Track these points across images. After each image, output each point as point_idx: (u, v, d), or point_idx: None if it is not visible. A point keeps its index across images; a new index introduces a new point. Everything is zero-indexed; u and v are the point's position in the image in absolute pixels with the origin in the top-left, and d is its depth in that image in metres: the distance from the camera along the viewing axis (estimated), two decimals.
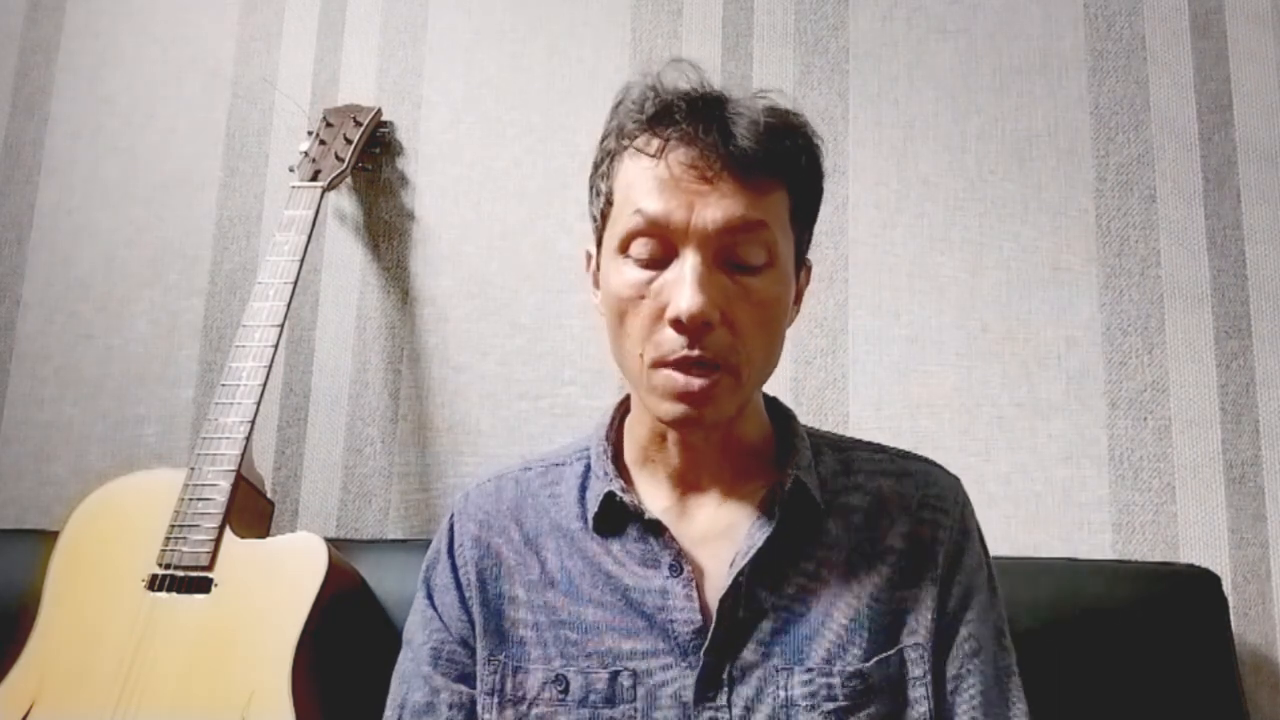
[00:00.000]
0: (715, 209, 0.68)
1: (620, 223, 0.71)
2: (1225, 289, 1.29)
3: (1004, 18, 1.40)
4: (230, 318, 1.43)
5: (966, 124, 1.38)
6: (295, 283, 1.20)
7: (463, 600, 0.77)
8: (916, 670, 0.70)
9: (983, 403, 1.30)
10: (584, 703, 0.70)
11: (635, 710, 0.69)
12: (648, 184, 0.70)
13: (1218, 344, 1.28)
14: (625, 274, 0.71)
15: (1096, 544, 1.25)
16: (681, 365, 0.68)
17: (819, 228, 0.82)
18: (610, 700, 0.69)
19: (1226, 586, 1.17)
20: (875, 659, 0.70)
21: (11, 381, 1.46)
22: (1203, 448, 1.26)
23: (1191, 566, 1.17)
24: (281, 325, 1.16)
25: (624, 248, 0.71)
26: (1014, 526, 1.26)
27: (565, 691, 0.71)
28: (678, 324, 0.67)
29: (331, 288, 1.44)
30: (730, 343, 0.68)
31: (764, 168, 0.70)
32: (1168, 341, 1.29)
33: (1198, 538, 1.23)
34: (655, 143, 0.70)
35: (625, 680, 0.70)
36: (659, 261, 0.70)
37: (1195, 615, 1.12)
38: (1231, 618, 1.14)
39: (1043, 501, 1.27)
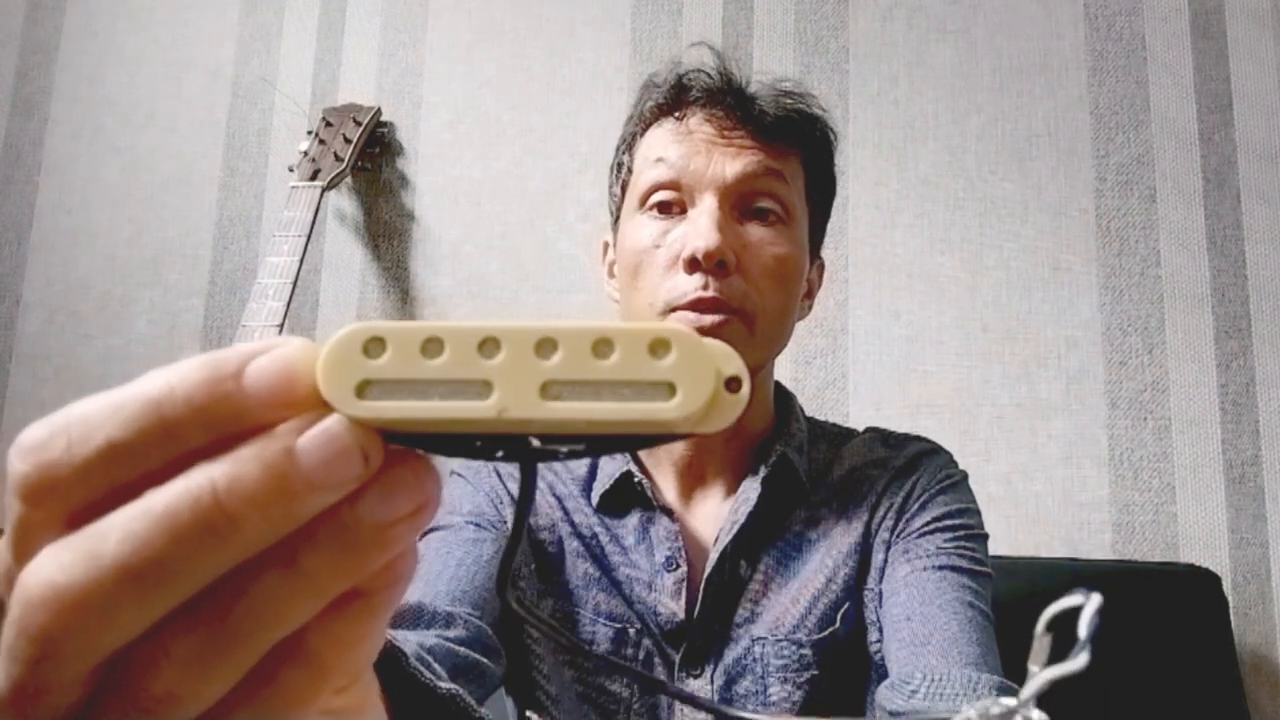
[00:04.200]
0: (734, 160, 0.70)
1: (641, 179, 0.72)
2: (1225, 289, 1.29)
3: (1004, 18, 1.40)
4: (230, 318, 1.43)
5: (966, 124, 1.38)
6: (295, 283, 1.20)
7: (481, 501, 0.74)
8: (872, 615, 0.70)
9: (983, 403, 1.30)
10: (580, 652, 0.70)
11: (634, 666, 0.70)
12: (668, 139, 0.72)
13: (1218, 344, 1.28)
14: (642, 227, 0.71)
15: (1096, 544, 1.25)
16: (694, 306, 0.67)
17: None
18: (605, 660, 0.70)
19: (1226, 586, 1.17)
20: (839, 615, 0.69)
21: (11, 381, 1.46)
22: (1203, 448, 1.26)
23: (1191, 566, 1.17)
24: (281, 325, 1.16)
25: (643, 201, 0.72)
26: (1014, 526, 1.26)
27: (572, 630, 0.71)
28: (693, 263, 0.67)
29: (331, 288, 1.44)
30: (745, 289, 0.68)
31: (782, 132, 0.72)
32: (1168, 341, 1.29)
33: (1198, 538, 1.23)
34: (679, 108, 0.72)
35: (616, 645, 0.70)
36: (676, 213, 0.71)
37: (1195, 615, 1.12)
38: (1231, 618, 1.14)
39: (1043, 501, 1.27)
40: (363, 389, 0.20)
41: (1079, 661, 0.21)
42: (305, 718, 0.21)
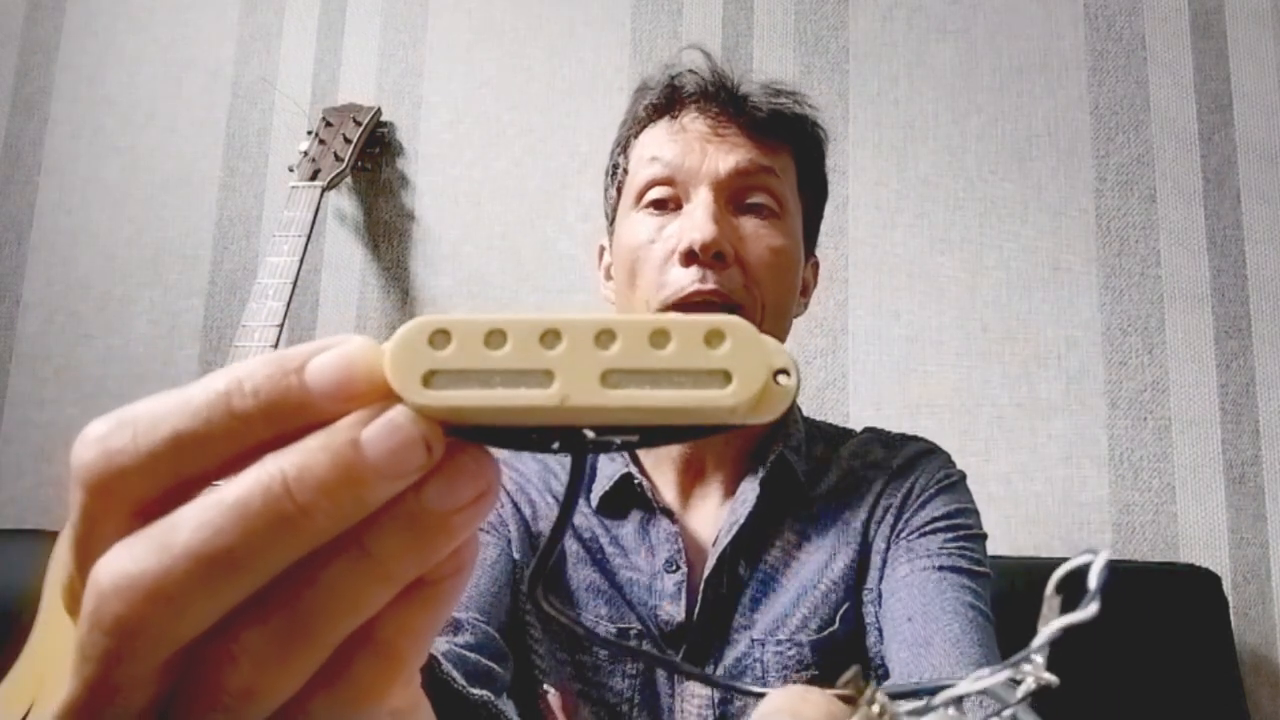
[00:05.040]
0: (727, 155, 0.71)
1: (636, 178, 0.73)
2: (1225, 289, 1.29)
3: (1004, 18, 1.40)
4: (230, 318, 1.43)
5: (966, 124, 1.38)
6: (295, 283, 1.20)
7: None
8: (871, 615, 0.69)
9: (983, 403, 1.30)
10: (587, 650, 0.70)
11: (634, 668, 0.69)
12: (662, 138, 0.73)
13: (1218, 344, 1.28)
14: (638, 224, 0.72)
15: (1096, 544, 1.24)
16: (692, 301, 0.67)
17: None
18: (611, 656, 0.70)
19: (1226, 586, 1.17)
20: (838, 615, 0.69)
21: (11, 381, 1.46)
22: (1203, 448, 1.26)
23: (1191, 566, 1.17)
24: (281, 325, 1.16)
25: (639, 198, 0.73)
26: (1014, 526, 1.26)
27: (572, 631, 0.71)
28: (689, 256, 0.67)
29: (331, 288, 1.44)
30: (743, 282, 0.68)
31: (773, 128, 0.73)
32: (1168, 341, 1.29)
33: (1198, 538, 1.23)
34: (672, 108, 0.74)
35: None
36: (672, 210, 0.71)
37: (1195, 615, 1.12)
38: (1231, 618, 1.14)
39: (1043, 501, 1.27)
40: (429, 379, 0.20)
41: (1089, 610, 0.22)
42: (377, 714, 0.21)
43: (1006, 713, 0.23)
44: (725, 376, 0.21)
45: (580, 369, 0.20)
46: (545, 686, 0.71)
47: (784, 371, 0.21)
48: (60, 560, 0.21)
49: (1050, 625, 0.23)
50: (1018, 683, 0.23)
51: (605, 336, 0.21)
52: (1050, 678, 0.23)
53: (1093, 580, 0.22)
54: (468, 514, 0.20)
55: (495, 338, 0.21)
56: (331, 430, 0.20)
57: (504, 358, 0.21)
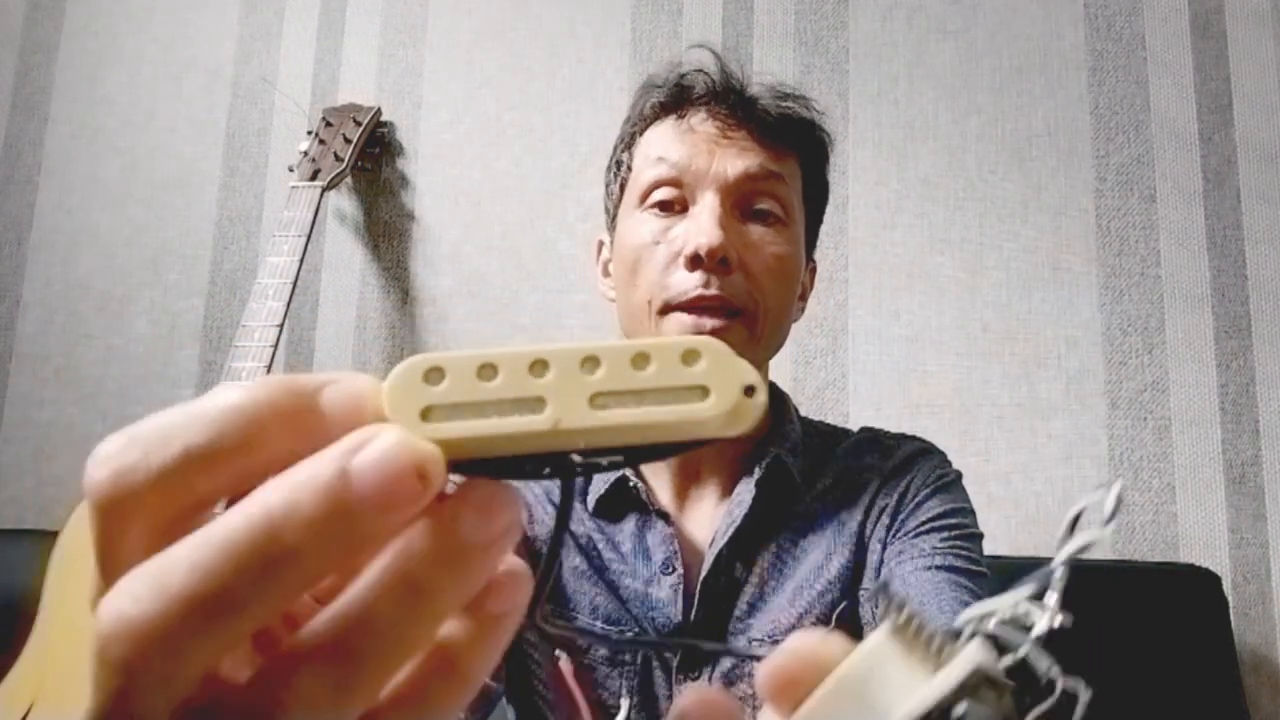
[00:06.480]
0: (736, 159, 0.70)
1: (642, 176, 0.72)
2: (1225, 289, 1.29)
3: (1004, 18, 1.40)
4: (230, 318, 1.43)
5: (966, 124, 1.37)
6: (295, 283, 1.20)
7: None
8: (867, 615, 0.69)
9: (983, 403, 1.30)
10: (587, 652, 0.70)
11: (631, 670, 0.69)
12: (670, 138, 0.72)
13: (1218, 344, 1.28)
14: (642, 223, 0.71)
15: (1096, 544, 1.24)
16: (695, 306, 0.67)
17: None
18: (609, 661, 0.70)
19: (1226, 586, 1.17)
20: (835, 615, 0.69)
21: (11, 381, 1.46)
22: (1203, 448, 1.26)
23: (1191, 566, 1.17)
24: (281, 325, 1.16)
25: (643, 198, 0.72)
26: (1014, 526, 1.26)
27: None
28: (695, 260, 0.67)
29: (331, 288, 1.44)
30: (746, 288, 0.68)
31: (781, 132, 0.72)
32: (1168, 341, 1.29)
33: (1198, 538, 1.23)
34: (680, 107, 0.73)
35: (614, 649, 0.70)
36: (677, 211, 0.71)
37: (1195, 615, 1.12)
38: (1231, 618, 1.14)
39: (1043, 501, 1.27)
40: (426, 414, 0.21)
41: (1103, 531, 0.23)
42: None
43: (1021, 651, 0.23)
44: (703, 391, 0.22)
45: (569, 394, 0.22)
46: (556, 652, 0.70)
47: (753, 387, 0.22)
48: (89, 572, 0.21)
49: (1067, 546, 0.23)
50: (1029, 628, 0.24)
51: (590, 363, 0.22)
52: (1064, 617, 0.23)
53: (1109, 505, 0.23)
54: (500, 545, 0.20)
55: (486, 371, 0.22)
56: (318, 461, 0.19)
57: (497, 389, 0.22)
